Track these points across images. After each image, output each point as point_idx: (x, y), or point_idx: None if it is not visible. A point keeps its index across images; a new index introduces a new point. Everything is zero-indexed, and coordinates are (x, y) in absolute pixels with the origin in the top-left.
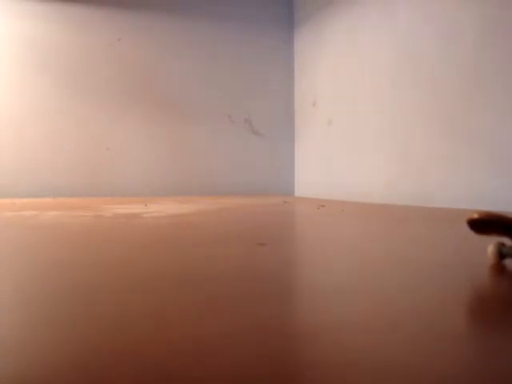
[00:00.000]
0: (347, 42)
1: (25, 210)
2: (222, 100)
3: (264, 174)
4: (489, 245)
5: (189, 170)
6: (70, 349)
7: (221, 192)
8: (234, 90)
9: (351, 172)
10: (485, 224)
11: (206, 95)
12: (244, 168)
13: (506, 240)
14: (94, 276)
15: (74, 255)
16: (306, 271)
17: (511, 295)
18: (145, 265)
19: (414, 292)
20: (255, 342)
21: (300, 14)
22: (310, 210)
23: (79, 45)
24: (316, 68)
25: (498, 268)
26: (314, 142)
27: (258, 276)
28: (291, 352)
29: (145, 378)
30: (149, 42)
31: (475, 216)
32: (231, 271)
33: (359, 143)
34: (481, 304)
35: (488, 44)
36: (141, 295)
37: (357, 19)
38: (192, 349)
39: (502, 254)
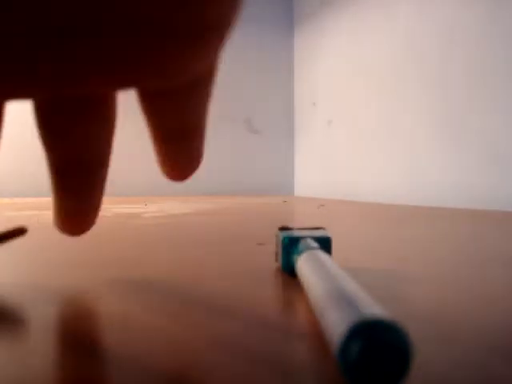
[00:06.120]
0: (347, 42)
1: (25, 210)
2: (222, 100)
3: (263, 173)
4: None
5: None
6: (72, 346)
7: (220, 192)
8: (233, 89)
9: (351, 172)
10: None
11: None
12: (243, 168)
13: None
14: (94, 275)
15: (74, 255)
16: None
17: None
18: (145, 264)
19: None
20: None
21: (300, 13)
22: (309, 209)
23: None
24: (316, 68)
25: None
26: (314, 142)
27: (262, 274)
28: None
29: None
30: None
31: None
32: (232, 270)
33: (359, 143)
34: None
35: (489, 43)
36: (142, 294)
37: (357, 19)
38: (193, 347)
39: None
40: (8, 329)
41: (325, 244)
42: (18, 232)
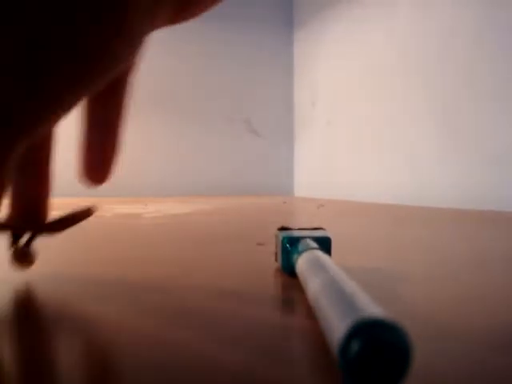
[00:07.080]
0: (347, 42)
1: None
2: (222, 100)
3: (263, 174)
4: None
5: (188, 170)
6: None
7: (220, 192)
8: (233, 90)
9: (351, 172)
10: None
11: (206, 95)
12: (243, 168)
13: None
14: (94, 274)
15: (74, 255)
16: None
17: None
18: (145, 264)
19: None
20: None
21: (300, 14)
22: (309, 209)
23: None
24: (316, 68)
25: None
26: (314, 142)
27: (262, 274)
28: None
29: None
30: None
31: None
32: (232, 270)
33: (358, 143)
34: None
35: (488, 43)
36: (141, 294)
37: (356, 19)
38: (192, 347)
39: None
40: (10, 323)
41: (324, 244)
42: (86, 213)
